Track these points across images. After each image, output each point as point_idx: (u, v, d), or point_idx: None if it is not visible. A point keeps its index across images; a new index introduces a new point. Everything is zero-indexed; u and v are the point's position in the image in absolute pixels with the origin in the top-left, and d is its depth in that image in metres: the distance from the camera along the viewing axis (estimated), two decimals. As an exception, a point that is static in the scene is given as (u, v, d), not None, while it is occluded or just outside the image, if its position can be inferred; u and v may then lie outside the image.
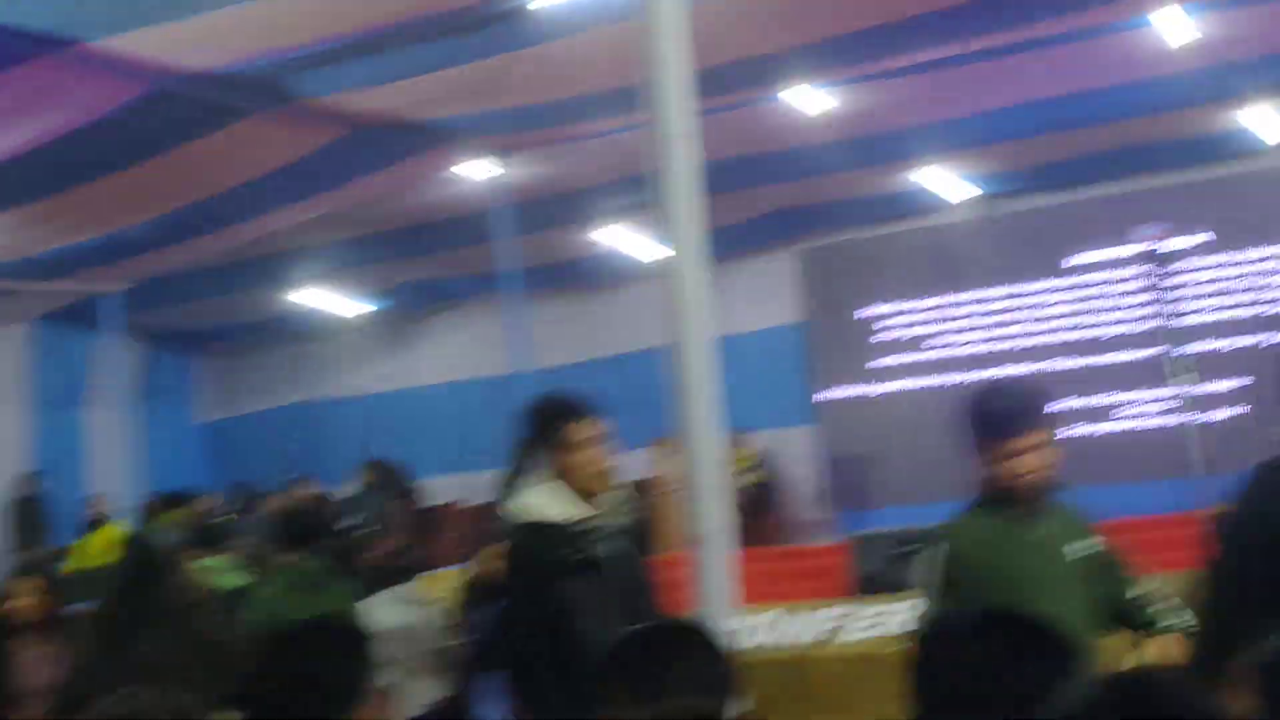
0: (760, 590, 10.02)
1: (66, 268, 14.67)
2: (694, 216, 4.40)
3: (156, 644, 7.32)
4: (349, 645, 3.27)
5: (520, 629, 4.84)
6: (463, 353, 20.86)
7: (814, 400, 18.24)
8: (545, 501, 4.83)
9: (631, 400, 17.50)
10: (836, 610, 10.32)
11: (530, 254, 15.36)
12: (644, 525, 5.00)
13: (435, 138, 13.15)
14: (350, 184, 13.78)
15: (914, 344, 18.07)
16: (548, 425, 5.03)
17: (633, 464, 17.11)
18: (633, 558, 4.92)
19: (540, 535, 4.74)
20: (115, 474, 17.34)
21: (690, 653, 3.06)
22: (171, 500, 17.50)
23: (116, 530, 18.83)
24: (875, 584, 11.08)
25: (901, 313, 18.28)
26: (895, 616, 9.88)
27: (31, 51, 9.44)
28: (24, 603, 6.97)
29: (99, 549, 18.84)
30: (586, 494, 4.94)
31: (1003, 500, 4.21)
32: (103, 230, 13.71)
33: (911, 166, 16.29)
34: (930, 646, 2.83)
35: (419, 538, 18.12)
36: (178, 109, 10.97)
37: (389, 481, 18.44)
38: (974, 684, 2.65)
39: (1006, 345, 17.91)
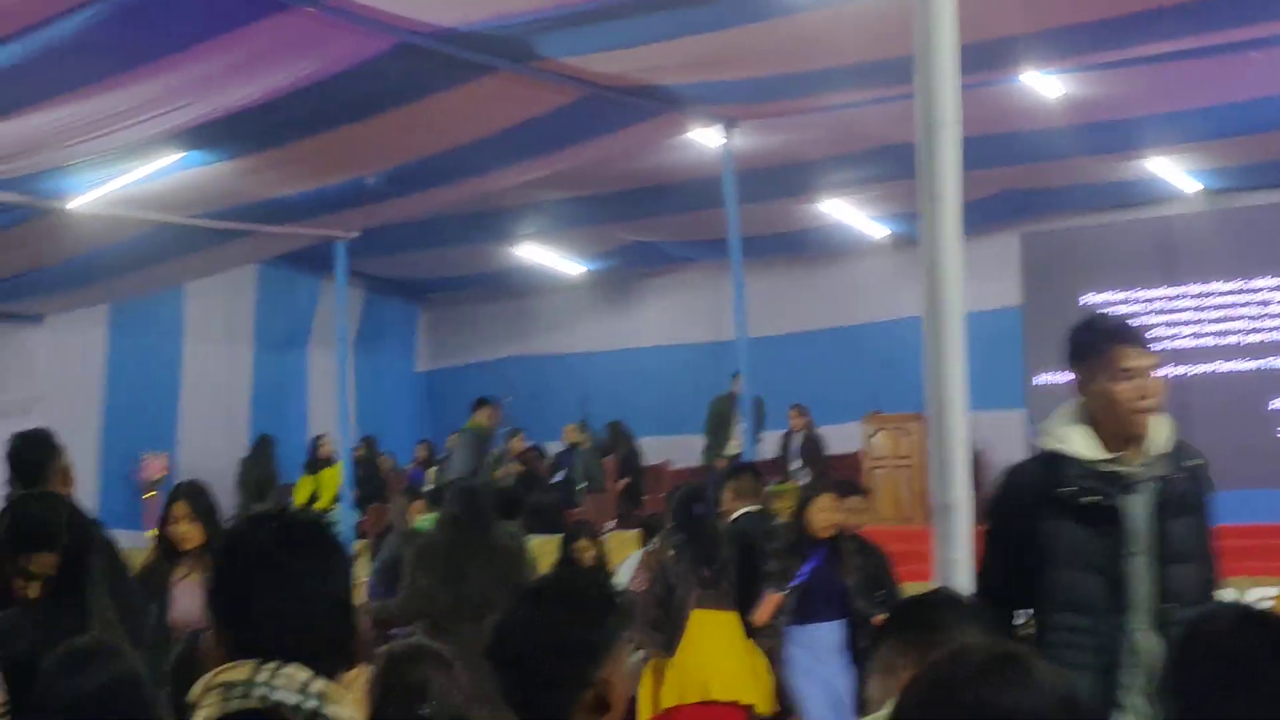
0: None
1: (300, 213, 15.03)
2: (954, 192, 4.44)
3: (481, 582, 7.87)
4: (601, 605, 3.35)
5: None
6: (678, 317, 21.04)
7: (1029, 384, 18.10)
8: (1067, 432, 4.45)
9: (843, 374, 17.65)
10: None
11: (752, 223, 15.43)
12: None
13: (668, 103, 13.27)
14: (582, 145, 13.94)
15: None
16: (1091, 346, 4.47)
17: (844, 437, 17.26)
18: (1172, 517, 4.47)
19: (1044, 467, 4.46)
20: (333, 416, 17.78)
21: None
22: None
23: (339, 472, 19.38)
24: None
25: (1121, 301, 18.07)
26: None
27: (290, 3, 9.74)
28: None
29: (328, 486, 19.40)
30: (1120, 433, 4.43)
31: None
32: (338, 178, 14.03)
33: (1140, 156, 16.13)
34: (1190, 645, 2.86)
35: (632, 496, 18.40)
36: (422, 64, 11.20)
37: (614, 439, 18.72)
38: (1235, 682, 2.68)
39: (1227, 341, 17.63)
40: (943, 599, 3.33)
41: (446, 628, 8.09)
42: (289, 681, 2.58)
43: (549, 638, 3.13)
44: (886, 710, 2.98)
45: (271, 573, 2.69)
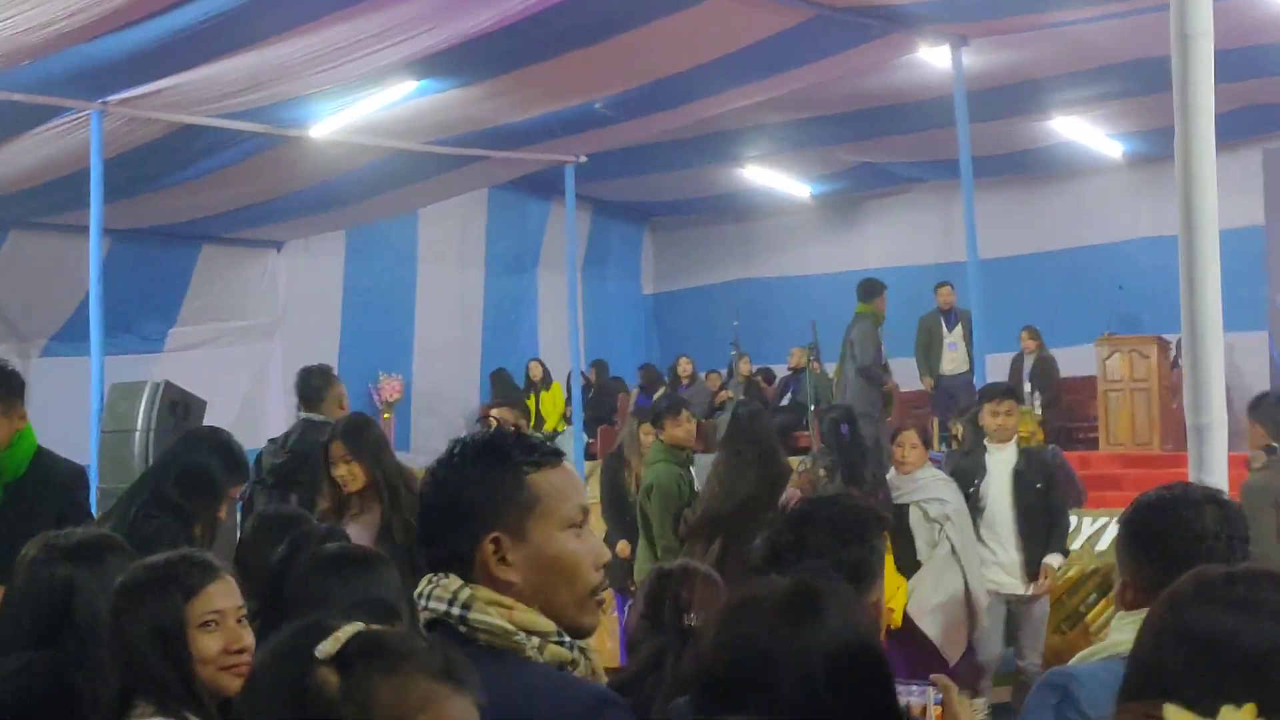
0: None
1: (530, 138, 15.20)
2: (1207, 104, 4.34)
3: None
4: (868, 525, 3.40)
5: None
6: (906, 238, 20.87)
7: (1271, 305, 17.62)
8: None
9: (1076, 296, 17.33)
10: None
11: (982, 142, 15.22)
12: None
13: (897, 22, 13.12)
14: (809, 66, 13.86)
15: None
16: None
17: (1077, 359, 16.97)
18: None
19: None
20: (562, 338, 18.01)
21: None
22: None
23: (558, 393, 19.63)
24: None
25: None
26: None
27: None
28: None
29: (547, 408, 19.68)
30: None
31: None
32: (567, 103, 14.15)
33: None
34: None
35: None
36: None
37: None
38: None
39: None
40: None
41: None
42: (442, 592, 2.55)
43: (816, 556, 3.19)
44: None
45: None
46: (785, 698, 2.15)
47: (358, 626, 1.89)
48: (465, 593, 2.46)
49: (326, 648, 1.83)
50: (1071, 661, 3.27)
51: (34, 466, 6.06)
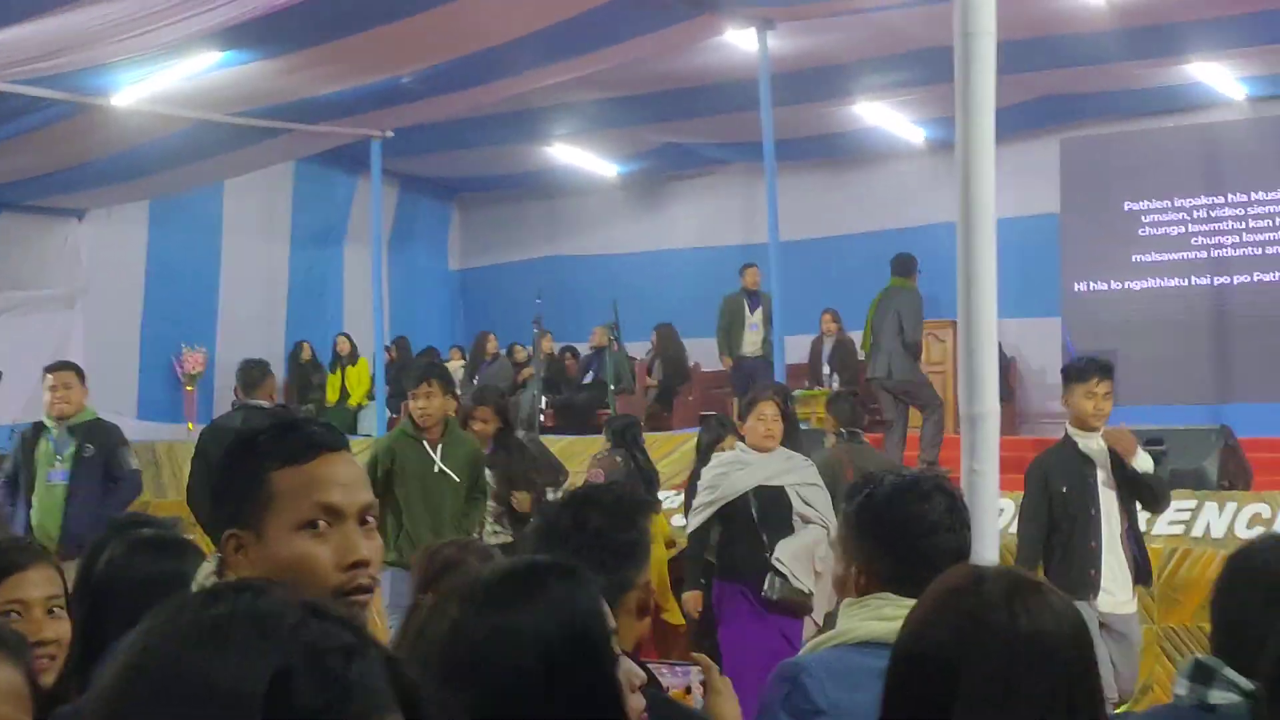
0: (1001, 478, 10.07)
1: (336, 111, 15.08)
2: (988, 99, 4.46)
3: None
4: (636, 508, 3.48)
5: None
6: (710, 220, 21.05)
7: (1064, 292, 18.08)
8: None
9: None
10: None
11: (786, 126, 15.40)
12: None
13: (704, 5, 13.24)
14: (617, 45, 13.92)
15: (1169, 243, 17.75)
16: None
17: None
18: None
19: None
20: (368, 313, 17.90)
21: None
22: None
23: (364, 369, 19.52)
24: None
25: (1159, 210, 17.95)
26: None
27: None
28: None
29: (353, 384, 19.55)
30: None
31: None
32: (374, 77, 14.06)
33: (1184, 61, 15.96)
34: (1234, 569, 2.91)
35: (665, 399, 18.50)
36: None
37: (662, 342, 18.77)
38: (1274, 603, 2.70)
39: (1269, 251, 17.47)
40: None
41: None
42: None
43: (594, 538, 3.23)
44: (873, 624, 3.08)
45: None
46: (497, 682, 2.15)
47: None
48: (210, 581, 2.44)
49: None
50: (802, 651, 3.35)
51: None
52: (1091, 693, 2.26)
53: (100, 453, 9.47)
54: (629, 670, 2.44)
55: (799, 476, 8.37)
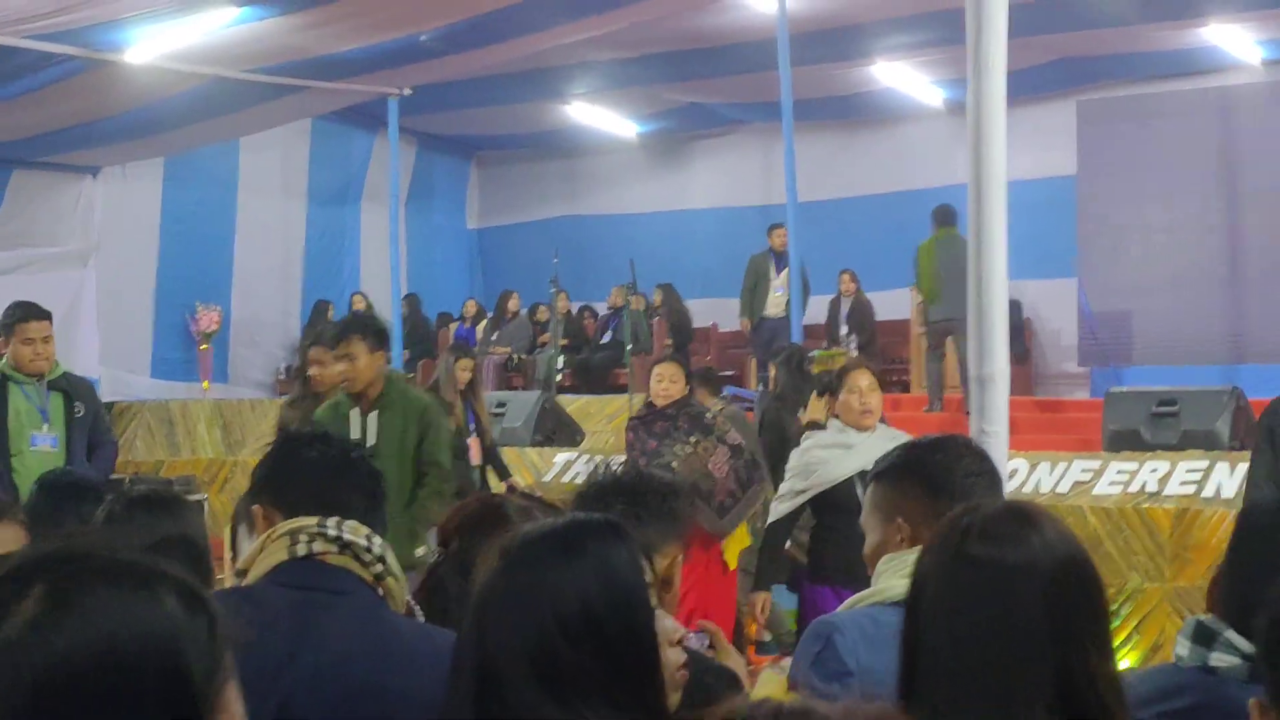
0: (1012, 439, 10.08)
1: (354, 69, 15.04)
2: (1000, 59, 4.44)
3: None
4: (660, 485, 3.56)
5: None
6: (728, 180, 21.01)
7: (1080, 254, 18.02)
8: None
9: (894, 240, 17.59)
10: (1086, 464, 10.33)
11: (804, 86, 15.36)
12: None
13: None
14: (637, 5, 13.87)
15: (1184, 206, 17.65)
16: None
17: (893, 303, 17.28)
18: None
19: None
20: (385, 272, 17.90)
21: None
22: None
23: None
24: (1127, 441, 11.05)
25: (1174, 173, 17.84)
26: (1148, 475, 9.89)
27: None
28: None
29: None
30: None
31: None
32: (392, 35, 14.03)
33: (1200, 24, 15.89)
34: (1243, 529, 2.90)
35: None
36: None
37: (664, 302, 18.77)
38: None
39: (1276, 215, 17.36)
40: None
41: None
42: (355, 531, 2.71)
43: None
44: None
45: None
46: (538, 633, 2.19)
47: None
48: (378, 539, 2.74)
49: None
50: (840, 608, 3.35)
51: None
52: (1094, 629, 2.26)
53: (88, 414, 8.18)
54: (667, 626, 2.49)
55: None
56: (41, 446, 7.92)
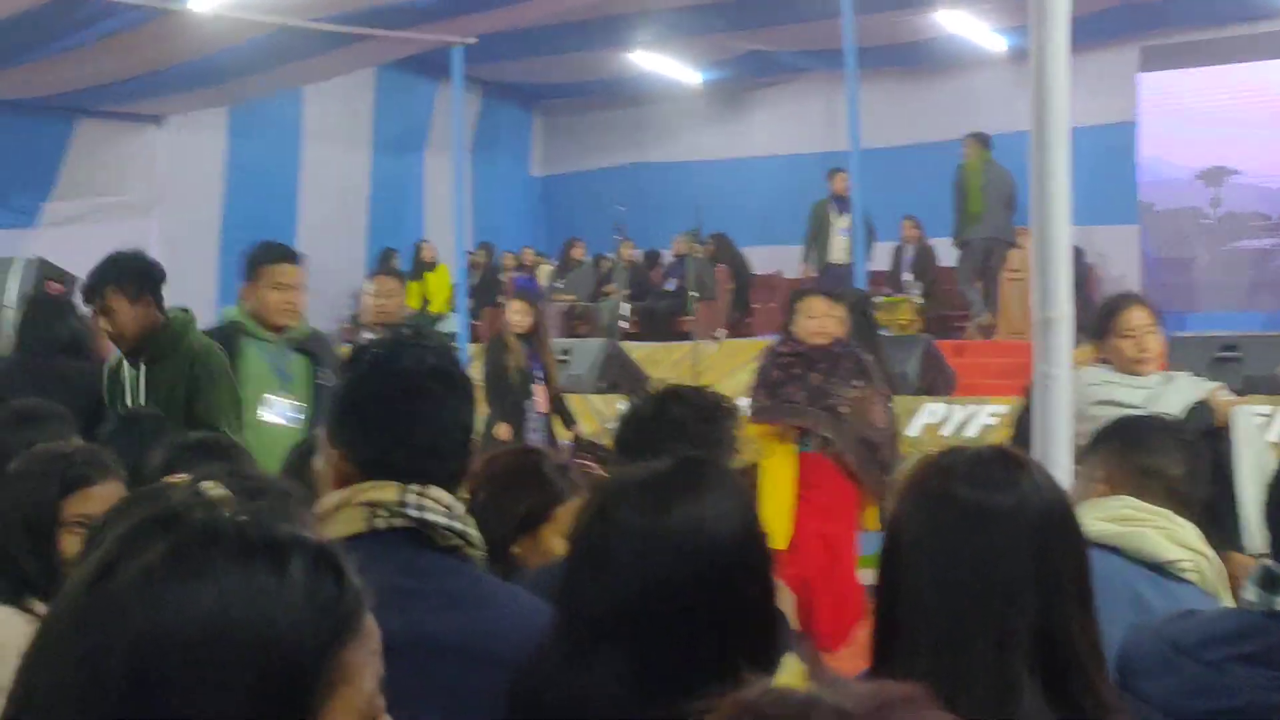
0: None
1: (418, 17, 15.07)
2: (1063, 5, 4.44)
3: None
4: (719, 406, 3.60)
5: None
6: (791, 127, 20.99)
7: (1141, 199, 17.91)
8: None
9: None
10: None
11: (868, 33, 15.31)
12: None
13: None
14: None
15: (1247, 149, 17.50)
16: None
17: (953, 250, 17.22)
18: None
19: None
20: (449, 220, 17.95)
21: None
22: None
23: (445, 275, 19.62)
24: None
25: (1238, 116, 17.69)
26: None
27: None
28: None
29: (432, 291, 19.67)
30: None
31: None
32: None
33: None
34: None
35: (741, 305, 18.55)
36: None
37: (719, 249, 18.82)
38: None
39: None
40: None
41: None
42: (435, 504, 2.57)
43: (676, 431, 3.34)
44: None
45: (413, 399, 2.62)
46: (664, 576, 2.17)
47: None
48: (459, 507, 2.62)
49: None
50: None
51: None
52: (1077, 579, 2.24)
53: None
54: None
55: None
56: (277, 418, 6.44)
